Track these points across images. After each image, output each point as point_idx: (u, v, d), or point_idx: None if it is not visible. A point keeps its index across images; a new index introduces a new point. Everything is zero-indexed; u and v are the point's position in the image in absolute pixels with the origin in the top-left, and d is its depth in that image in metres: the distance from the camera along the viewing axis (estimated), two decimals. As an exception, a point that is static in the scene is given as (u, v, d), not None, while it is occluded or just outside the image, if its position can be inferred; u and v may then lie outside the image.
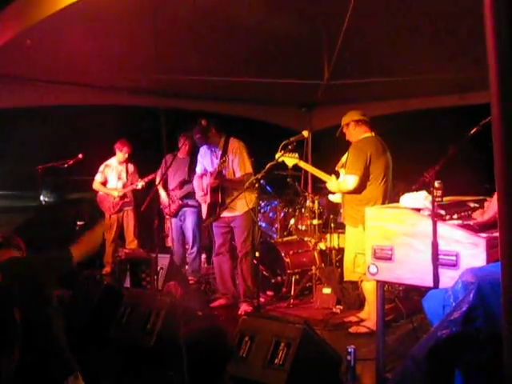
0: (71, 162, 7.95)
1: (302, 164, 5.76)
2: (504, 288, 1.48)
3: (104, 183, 7.95)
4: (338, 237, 6.72)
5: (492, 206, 3.54)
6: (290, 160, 5.64)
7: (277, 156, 5.37)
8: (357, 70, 6.38)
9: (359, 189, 5.20)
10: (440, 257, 3.30)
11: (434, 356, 1.98)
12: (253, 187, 5.41)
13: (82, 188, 8.51)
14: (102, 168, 7.98)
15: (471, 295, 2.20)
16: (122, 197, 7.85)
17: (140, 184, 7.76)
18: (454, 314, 2.17)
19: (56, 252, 3.44)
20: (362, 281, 5.25)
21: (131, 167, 8.04)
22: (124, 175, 7.95)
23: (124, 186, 7.88)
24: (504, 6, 1.59)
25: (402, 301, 5.63)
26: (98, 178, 7.95)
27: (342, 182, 5.36)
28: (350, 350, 4.08)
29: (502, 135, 1.61)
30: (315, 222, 6.88)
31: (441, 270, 3.31)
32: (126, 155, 7.93)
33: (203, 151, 6.38)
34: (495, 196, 2.78)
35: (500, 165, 1.63)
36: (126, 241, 8.07)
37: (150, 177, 7.75)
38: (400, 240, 3.54)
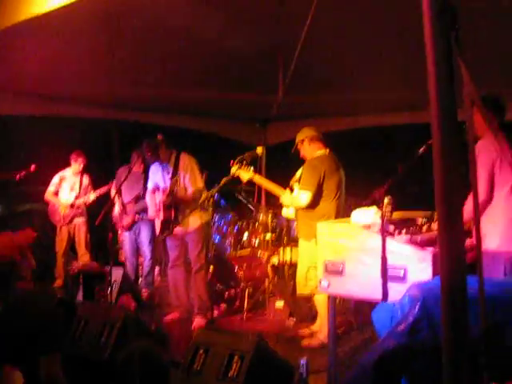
0: (23, 173, 7.81)
1: (257, 178, 5.80)
2: (443, 301, 1.57)
3: (57, 194, 7.85)
4: (291, 250, 6.83)
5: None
6: (245, 174, 5.69)
7: (232, 170, 5.42)
8: (311, 88, 6.50)
9: (312, 205, 5.30)
10: (389, 271, 3.40)
11: (381, 366, 2.06)
12: (207, 203, 5.44)
13: (34, 199, 8.37)
14: (55, 179, 7.89)
15: (416, 308, 2.30)
16: (73, 208, 7.74)
17: (93, 196, 7.68)
18: (400, 325, 2.26)
19: None
20: (314, 294, 5.35)
21: (86, 179, 7.95)
22: (77, 186, 7.85)
23: (76, 198, 7.79)
24: (441, 32, 1.68)
25: (354, 313, 5.74)
26: (51, 188, 7.85)
27: (295, 198, 5.44)
28: (302, 362, 4.14)
29: (441, 156, 1.70)
30: (268, 236, 6.98)
31: (390, 284, 3.39)
32: (81, 166, 7.85)
33: (155, 168, 6.39)
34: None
35: (439, 180, 1.70)
36: (78, 254, 7.96)
37: (101, 190, 7.68)
38: (351, 255, 3.63)
